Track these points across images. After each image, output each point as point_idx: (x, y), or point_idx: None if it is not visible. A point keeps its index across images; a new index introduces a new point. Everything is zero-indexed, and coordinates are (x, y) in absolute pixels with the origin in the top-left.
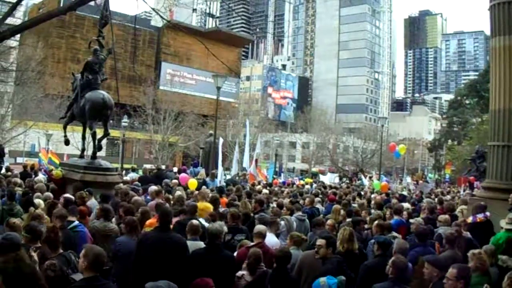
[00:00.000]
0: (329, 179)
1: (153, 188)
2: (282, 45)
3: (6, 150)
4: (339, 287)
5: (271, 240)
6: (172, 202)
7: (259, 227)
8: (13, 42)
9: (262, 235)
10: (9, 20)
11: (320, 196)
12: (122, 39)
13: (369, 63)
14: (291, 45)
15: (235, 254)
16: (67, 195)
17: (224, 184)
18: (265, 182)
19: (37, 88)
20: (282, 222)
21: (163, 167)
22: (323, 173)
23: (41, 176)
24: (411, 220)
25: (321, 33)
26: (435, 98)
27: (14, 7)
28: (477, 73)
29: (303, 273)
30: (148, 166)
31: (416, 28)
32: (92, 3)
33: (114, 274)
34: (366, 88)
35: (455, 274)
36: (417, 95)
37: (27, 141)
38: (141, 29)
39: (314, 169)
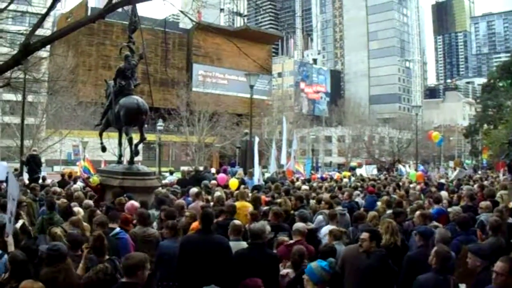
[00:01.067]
0: (366, 171)
1: (193, 190)
2: (312, 40)
3: (43, 159)
4: (330, 267)
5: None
6: (212, 203)
7: (298, 225)
8: (43, 52)
9: (301, 233)
10: (38, 31)
11: (360, 189)
12: (152, 43)
13: (399, 52)
14: (320, 38)
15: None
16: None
17: (263, 182)
18: (303, 178)
19: (70, 97)
20: (321, 217)
21: (201, 168)
22: (360, 165)
23: (79, 184)
24: (449, 209)
25: (349, 25)
26: (468, 82)
27: (43, 18)
28: (508, 55)
29: (346, 267)
30: (185, 168)
31: (444, 13)
32: (120, 9)
33: (159, 279)
34: (398, 77)
35: (507, 269)
36: (449, 81)
37: (63, 149)
38: (170, 32)
39: (353, 164)
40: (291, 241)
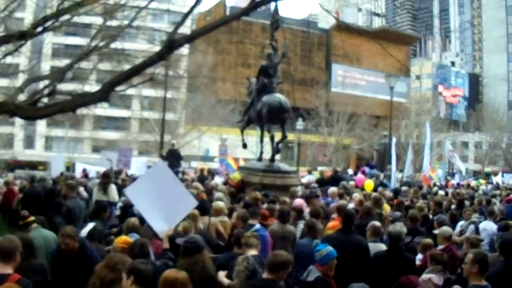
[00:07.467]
0: (504, 179)
1: (332, 189)
2: (450, 41)
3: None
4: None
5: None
6: (352, 204)
7: (445, 229)
8: (183, 49)
9: (447, 238)
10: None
11: (498, 197)
12: (291, 42)
13: None
14: (459, 40)
15: (419, 256)
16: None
17: (398, 185)
18: (439, 184)
19: (209, 94)
20: (473, 226)
21: (338, 169)
22: (496, 173)
23: (218, 180)
24: None
25: (488, 26)
26: None
27: (186, 15)
28: None
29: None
30: (323, 168)
31: None
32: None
33: (294, 276)
34: None
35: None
36: None
37: (201, 146)
38: (310, 31)
39: (487, 169)
40: (441, 247)
